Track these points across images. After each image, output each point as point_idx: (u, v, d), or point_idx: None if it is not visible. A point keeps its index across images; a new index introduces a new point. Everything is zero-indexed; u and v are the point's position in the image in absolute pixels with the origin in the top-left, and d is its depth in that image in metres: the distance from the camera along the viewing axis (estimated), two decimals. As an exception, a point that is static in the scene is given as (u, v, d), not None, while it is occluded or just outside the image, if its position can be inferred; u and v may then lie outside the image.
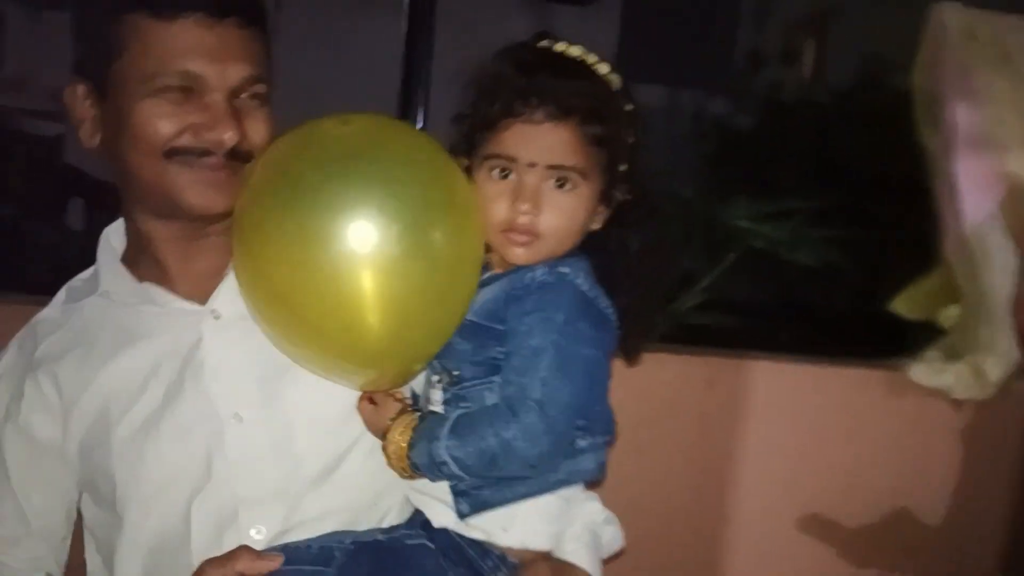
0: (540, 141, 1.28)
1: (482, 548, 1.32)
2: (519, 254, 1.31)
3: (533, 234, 1.30)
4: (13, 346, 1.46)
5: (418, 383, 1.42)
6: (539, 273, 1.30)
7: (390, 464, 1.32)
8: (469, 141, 1.35)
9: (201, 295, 1.40)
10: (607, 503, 2.01)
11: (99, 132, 1.35)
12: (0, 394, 1.43)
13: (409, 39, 1.87)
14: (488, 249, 1.35)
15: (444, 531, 1.34)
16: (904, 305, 2.35)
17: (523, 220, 1.29)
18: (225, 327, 1.35)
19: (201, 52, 1.27)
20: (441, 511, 1.34)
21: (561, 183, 1.30)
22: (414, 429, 1.29)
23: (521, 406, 1.22)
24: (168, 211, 1.35)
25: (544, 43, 1.37)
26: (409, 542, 1.38)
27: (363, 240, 1.18)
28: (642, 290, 1.40)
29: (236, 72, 1.29)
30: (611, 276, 1.37)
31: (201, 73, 1.27)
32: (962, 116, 2.24)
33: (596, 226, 1.38)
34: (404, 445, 1.28)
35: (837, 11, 7.77)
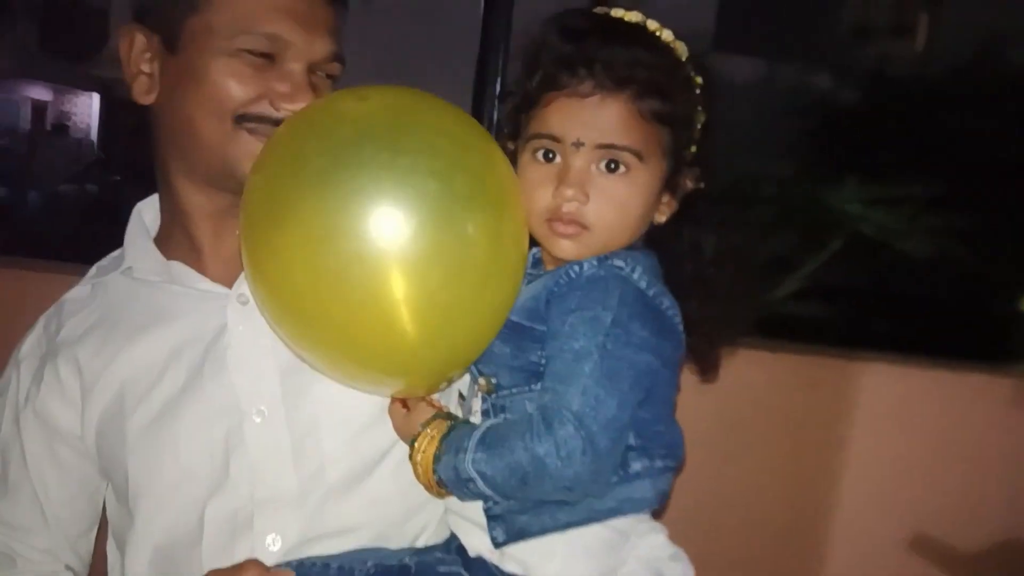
0: (587, 116, 1.12)
1: None
2: (565, 247, 1.15)
3: (580, 224, 1.14)
4: (39, 325, 1.41)
5: (463, 384, 1.27)
6: (587, 266, 1.14)
7: (417, 477, 1.17)
8: (514, 121, 1.20)
9: (230, 278, 1.32)
10: (689, 522, 1.88)
11: (157, 88, 1.28)
12: (23, 377, 1.39)
13: (488, 6, 1.76)
14: (535, 243, 1.19)
15: (481, 559, 1.20)
16: (1032, 304, 2.13)
17: (568, 208, 1.13)
18: (252, 313, 1.25)
19: (292, 17, 1.22)
20: (476, 537, 1.19)
21: (613, 166, 1.13)
22: (442, 439, 1.14)
23: (556, 417, 1.05)
24: (220, 180, 1.27)
25: (599, 8, 1.20)
26: (441, 569, 1.24)
27: (377, 237, 1.03)
28: (716, 301, 1.22)
29: (321, 45, 1.24)
30: (681, 281, 1.20)
31: (289, 39, 1.22)
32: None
33: (661, 219, 1.21)
34: (431, 456, 1.14)
35: (952, -18, 7.36)
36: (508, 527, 1.15)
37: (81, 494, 1.39)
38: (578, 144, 1.13)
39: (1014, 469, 2.06)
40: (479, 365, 1.20)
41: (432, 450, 1.14)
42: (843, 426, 2.03)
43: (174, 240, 1.36)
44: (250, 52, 1.21)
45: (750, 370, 1.96)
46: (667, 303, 1.17)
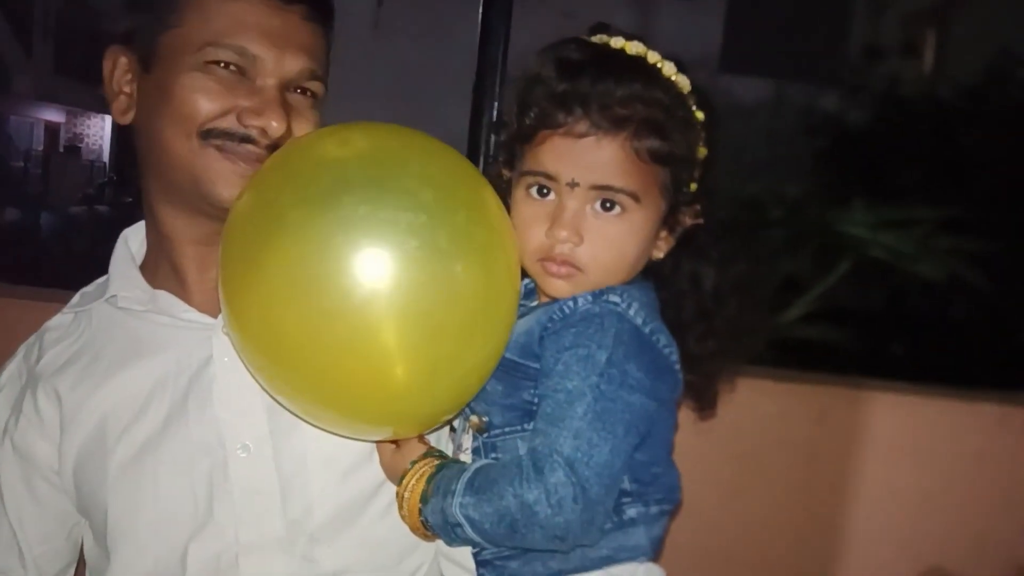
0: (582, 157, 1.08)
1: None
2: (558, 287, 1.12)
3: (573, 266, 1.10)
4: (19, 354, 1.38)
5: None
6: (582, 302, 1.10)
7: (403, 518, 1.13)
8: (509, 152, 1.17)
9: (216, 308, 1.28)
10: (697, 559, 1.83)
11: (134, 108, 1.27)
12: (1, 407, 1.35)
13: (484, 28, 1.74)
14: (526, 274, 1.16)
15: None
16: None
17: (561, 249, 1.10)
18: None
19: (262, 32, 1.20)
20: None
21: (608, 206, 1.10)
22: (429, 479, 1.10)
23: (547, 463, 1.01)
24: (194, 202, 1.24)
25: (598, 38, 1.15)
26: None
27: (354, 292, 0.99)
28: (717, 338, 1.18)
29: (294, 62, 1.22)
30: (680, 316, 1.17)
31: (258, 54, 1.20)
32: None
33: (659, 255, 1.17)
34: (417, 497, 1.09)
35: (960, 0, 7.35)
36: (498, 574, 1.12)
37: (59, 531, 1.35)
38: (573, 184, 1.09)
39: (1031, 502, 2.00)
40: (471, 403, 1.16)
41: (420, 490, 1.10)
42: (855, 458, 1.97)
43: (160, 269, 1.32)
44: (219, 65, 1.19)
45: (758, 401, 1.91)
46: (664, 340, 1.13)
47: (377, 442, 1.21)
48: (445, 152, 1.12)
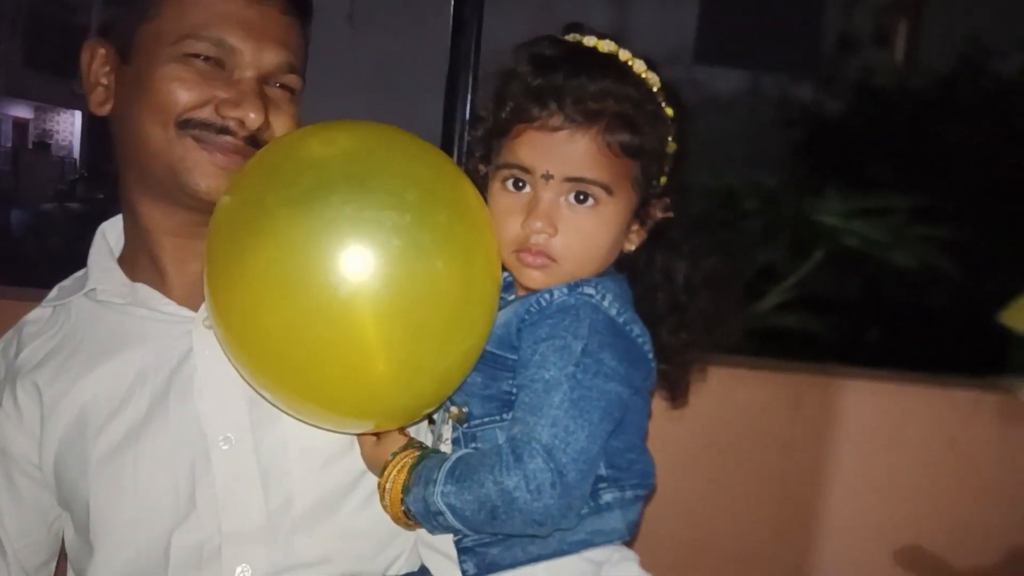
0: (557, 150, 1.11)
1: None
2: (534, 277, 1.14)
3: (548, 256, 1.13)
4: None
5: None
6: (558, 294, 1.12)
7: (385, 508, 1.15)
8: (485, 147, 1.19)
9: (195, 301, 1.28)
10: (676, 542, 1.85)
11: (111, 99, 1.27)
12: None
13: (456, 22, 1.74)
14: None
15: None
16: (1016, 316, 2.11)
17: (536, 240, 1.12)
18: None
19: (240, 25, 1.20)
20: (447, 570, 1.18)
21: (581, 198, 1.12)
22: (410, 470, 1.12)
23: (526, 450, 1.04)
24: (171, 192, 1.24)
25: (571, 36, 1.18)
26: None
27: (339, 289, 1.01)
28: (689, 329, 1.21)
29: (272, 55, 1.22)
30: (653, 309, 1.19)
31: (236, 46, 1.20)
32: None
33: (631, 247, 1.20)
34: (399, 487, 1.11)
35: (932, -9, 7.43)
36: (479, 560, 1.14)
37: (39, 525, 1.35)
38: (547, 176, 1.12)
39: (1005, 486, 2.03)
40: (451, 394, 1.17)
41: (401, 480, 1.12)
42: (831, 445, 1.99)
43: (138, 262, 1.32)
44: (197, 57, 1.20)
45: (734, 390, 1.93)
46: (637, 330, 1.16)
47: (358, 434, 1.22)
48: (426, 150, 1.14)
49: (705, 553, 1.91)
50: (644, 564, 1.27)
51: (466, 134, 1.73)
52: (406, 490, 1.11)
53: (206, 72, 1.19)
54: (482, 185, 1.18)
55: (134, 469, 1.22)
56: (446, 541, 1.16)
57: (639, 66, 1.16)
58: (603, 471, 1.13)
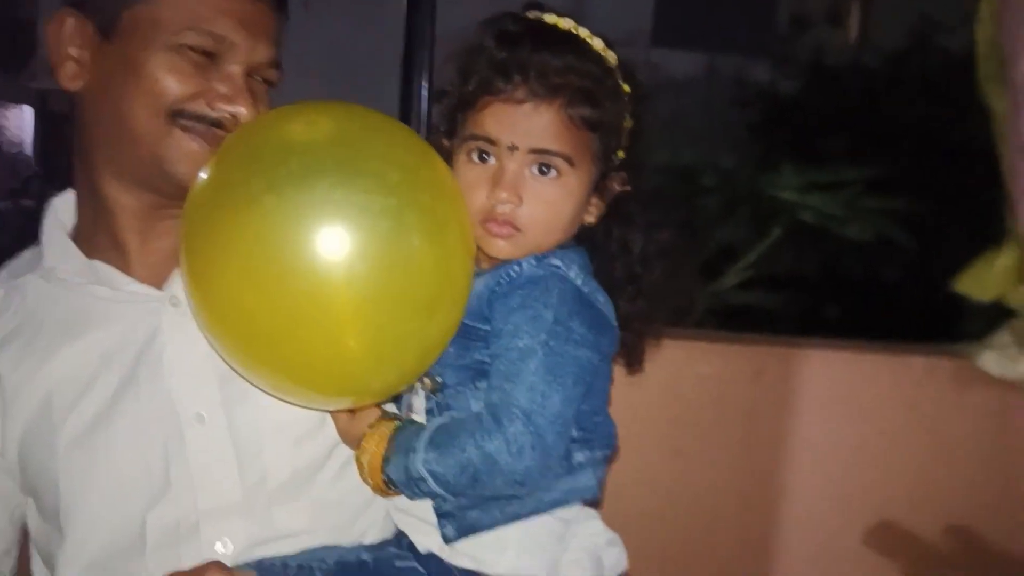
0: (521, 122, 1.16)
1: None
2: (500, 247, 1.19)
3: (513, 226, 1.18)
4: None
5: None
6: (526, 266, 1.18)
7: (363, 479, 1.18)
8: (450, 121, 1.23)
9: (160, 280, 1.28)
10: (641, 511, 1.87)
11: (86, 76, 1.25)
12: None
13: (411, 6, 1.74)
14: None
15: (432, 555, 1.22)
16: (970, 284, 2.16)
17: (502, 209, 1.17)
18: (185, 315, 1.21)
19: (240, 20, 1.22)
20: (425, 534, 1.22)
21: (545, 170, 1.18)
22: (390, 440, 1.16)
23: (505, 414, 1.09)
24: (150, 178, 1.24)
25: (532, 14, 1.24)
26: (398, 564, 1.24)
27: (328, 272, 1.03)
28: (646, 298, 1.26)
29: (264, 50, 1.25)
30: (612, 279, 1.25)
31: (235, 40, 1.22)
32: (1035, 72, 2.02)
33: (590, 220, 1.25)
34: (379, 458, 1.15)
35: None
36: (459, 523, 1.17)
37: (1, 513, 1.32)
38: (512, 148, 1.15)
39: (961, 446, 2.08)
40: None
41: (380, 452, 1.15)
42: (790, 414, 2.04)
43: (96, 238, 1.30)
44: (192, 49, 1.20)
45: (696, 362, 1.96)
46: (602, 299, 1.21)
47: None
48: (402, 132, 1.17)
49: (672, 522, 1.95)
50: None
51: (425, 112, 1.74)
52: (386, 460, 1.14)
53: (201, 64, 1.20)
54: (446, 159, 1.21)
55: (105, 451, 1.22)
56: (423, 507, 1.19)
57: (598, 44, 1.20)
58: (575, 433, 1.17)
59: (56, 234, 1.32)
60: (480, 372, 1.17)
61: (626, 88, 1.22)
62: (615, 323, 1.22)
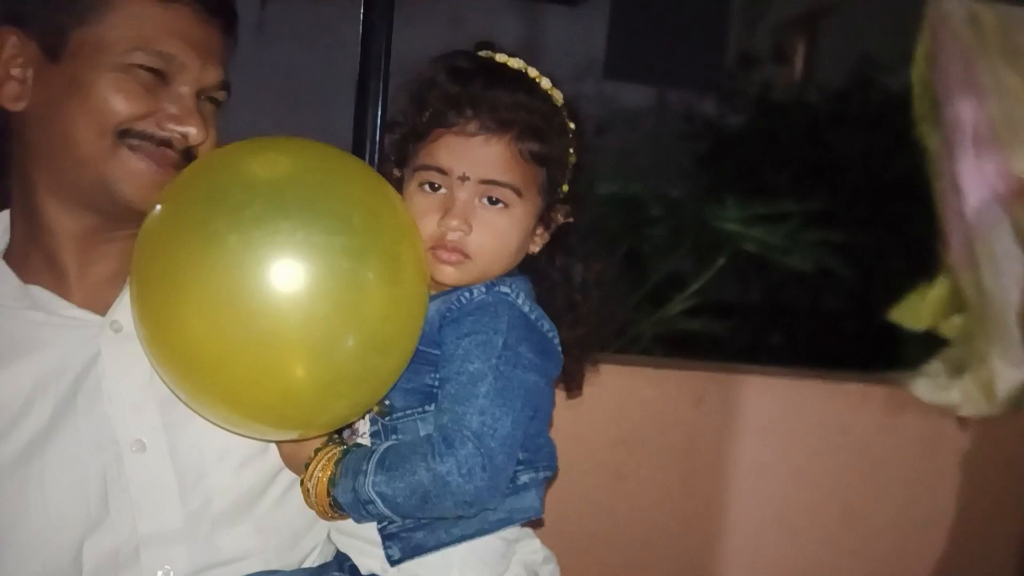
0: (472, 154, 1.20)
1: None
2: (448, 273, 1.22)
3: (462, 253, 1.22)
4: None
5: None
6: (477, 293, 1.21)
7: (309, 503, 1.19)
8: (401, 151, 1.27)
9: (99, 304, 1.26)
10: (585, 534, 1.90)
11: (28, 95, 1.23)
12: None
13: (366, 32, 1.77)
14: None
15: None
16: (905, 314, 2.23)
17: (452, 237, 1.20)
18: (127, 341, 1.20)
19: (190, 42, 1.23)
20: (368, 556, 1.22)
21: (494, 200, 1.21)
22: (336, 463, 1.17)
23: (457, 437, 1.11)
24: (94, 198, 1.22)
25: (484, 52, 1.28)
26: None
27: (288, 314, 1.05)
28: (584, 325, 1.31)
29: (214, 72, 1.26)
30: (554, 307, 1.28)
31: (185, 61, 1.22)
32: (966, 111, 2.11)
33: (535, 249, 1.30)
34: (325, 481, 1.16)
35: (827, 11, 7.72)
36: (404, 545, 1.18)
37: None
38: (464, 178, 1.19)
39: (894, 475, 2.13)
40: None
41: (327, 475, 1.16)
42: (731, 438, 2.07)
43: (31, 261, 1.28)
44: (142, 69, 1.19)
45: (640, 387, 2.00)
46: (547, 325, 1.24)
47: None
48: (360, 168, 1.20)
49: (614, 544, 1.97)
50: (553, 554, 1.33)
51: (378, 141, 1.76)
52: (333, 483, 1.15)
53: (149, 84, 1.20)
54: (396, 188, 1.24)
55: (39, 479, 1.19)
56: (366, 527, 1.19)
57: (546, 83, 1.26)
58: (520, 455, 1.20)
59: None
60: (429, 396, 1.19)
61: (571, 125, 1.27)
62: (559, 348, 1.25)
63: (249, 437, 1.21)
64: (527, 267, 1.29)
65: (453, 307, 1.19)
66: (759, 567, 2.08)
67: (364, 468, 1.13)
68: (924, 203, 2.15)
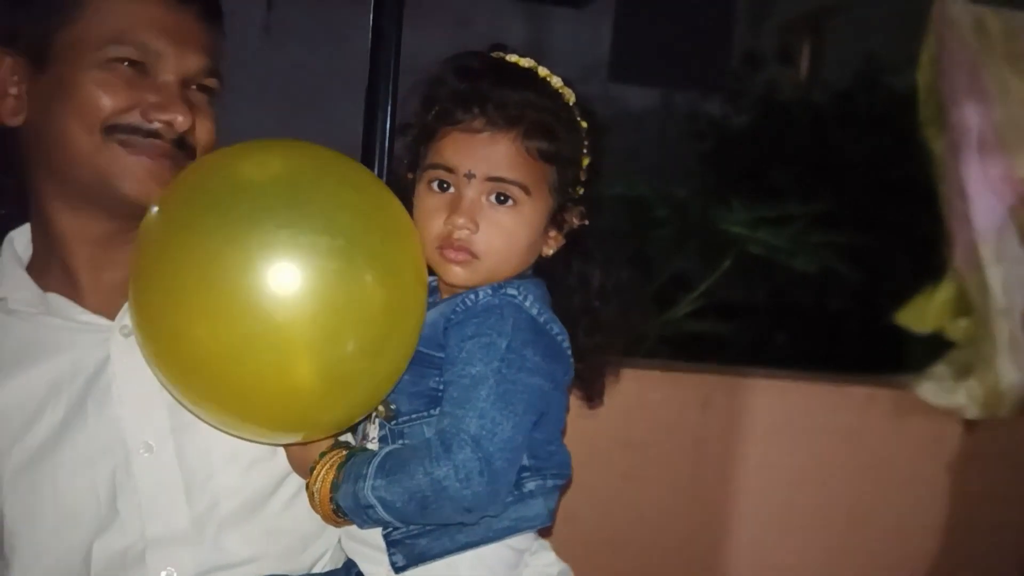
0: (479, 151, 1.18)
1: None
2: (456, 272, 1.21)
3: (469, 252, 1.19)
4: None
5: None
6: (482, 295, 1.19)
7: (314, 508, 1.19)
8: (412, 154, 1.26)
9: (110, 309, 1.28)
10: (592, 537, 1.90)
11: (25, 109, 1.26)
12: None
13: (375, 34, 1.77)
14: (432, 272, 1.24)
15: None
16: (911, 316, 2.22)
17: (459, 235, 1.19)
18: (136, 345, 1.22)
19: (162, 30, 1.22)
20: (375, 563, 1.21)
21: (502, 198, 1.20)
22: (339, 468, 1.16)
23: (455, 441, 1.09)
24: (95, 199, 1.24)
25: (495, 53, 1.27)
26: None
27: (276, 313, 1.04)
28: (602, 331, 1.29)
29: (194, 59, 1.25)
30: (570, 312, 1.26)
31: (160, 51, 1.22)
32: (971, 116, 2.12)
33: (548, 252, 1.28)
34: (329, 486, 1.15)
35: (833, 11, 7.72)
36: (408, 552, 1.17)
37: None
38: (470, 176, 1.18)
39: (901, 477, 2.13)
40: None
41: (330, 479, 1.15)
42: (737, 441, 2.07)
43: (49, 271, 1.30)
44: (120, 62, 1.20)
45: (647, 391, 2.00)
46: (556, 329, 1.22)
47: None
48: (354, 170, 1.19)
49: (621, 546, 1.97)
50: (560, 557, 1.33)
51: (388, 144, 1.76)
52: (335, 487, 1.14)
53: (130, 77, 1.20)
54: (410, 192, 1.24)
55: (52, 480, 1.21)
56: (373, 535, 1.19)
57: (556, 81, 1.24)
58: (527, 461, 1.18)
59: (11, 266, 1.33)
60: (435, 399, 1.17)
61: (583, 124, 1.25)
62: (569, 353, 1.23)
63: (250, 440, 1.21)
64: (544, 271, 1.28)
65: (458, 309, 1.18)
66: (766, 568, 2.08)
67: (364, 472, 1.12)
68: (930, 205, 2.14)
